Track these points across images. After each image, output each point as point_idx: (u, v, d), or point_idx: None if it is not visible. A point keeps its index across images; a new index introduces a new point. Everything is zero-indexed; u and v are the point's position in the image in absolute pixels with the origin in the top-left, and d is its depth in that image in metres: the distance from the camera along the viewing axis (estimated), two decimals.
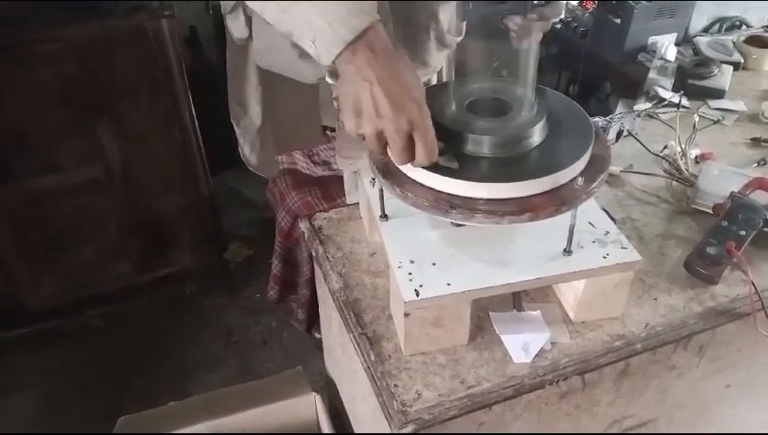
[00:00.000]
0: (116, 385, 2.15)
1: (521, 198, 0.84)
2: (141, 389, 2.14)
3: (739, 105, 1.56)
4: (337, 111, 1.07)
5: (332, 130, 1.60)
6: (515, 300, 1.00)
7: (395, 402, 0.86)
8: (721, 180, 1.20)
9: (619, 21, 2.26)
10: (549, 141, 0.91)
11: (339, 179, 1.52)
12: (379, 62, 0.79)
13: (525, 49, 0.97)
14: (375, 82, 0.78)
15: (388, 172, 0.89)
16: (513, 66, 0.99)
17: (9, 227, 2.06)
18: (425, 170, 0.85)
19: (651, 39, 2.23)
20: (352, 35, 0.77)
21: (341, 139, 1.29)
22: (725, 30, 2.25)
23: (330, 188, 1.75)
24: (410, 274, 0.89)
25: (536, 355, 0.92)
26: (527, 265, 0.91)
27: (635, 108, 1.58)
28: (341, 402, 1.39)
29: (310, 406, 1.47)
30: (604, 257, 0.91)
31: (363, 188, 1.08)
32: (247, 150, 1.46)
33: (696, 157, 1.33)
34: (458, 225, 0.95)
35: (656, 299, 1.02)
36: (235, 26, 1.25)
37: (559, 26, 2.55)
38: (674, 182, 1.27)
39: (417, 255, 0.92)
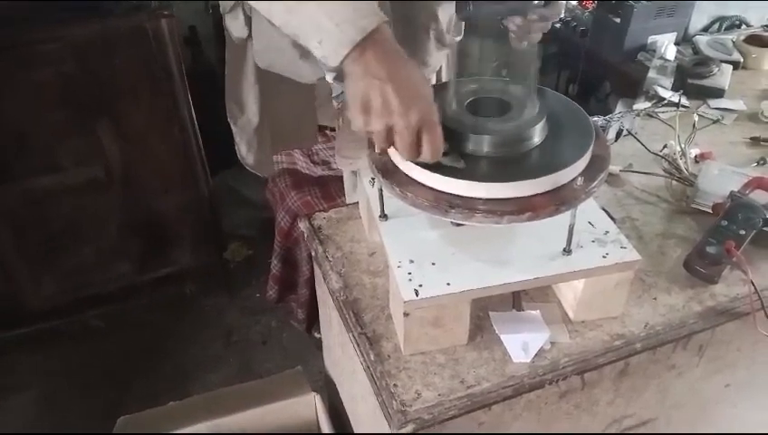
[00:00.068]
0: (116, 385, 2.15)
1: (520, 197, 0.84)
2: (141, 389, 2.14)
3: (739, 104, 1.56)
4: (337, 111, 1.07)
5: (332, 129, 1.61)
6: (515, 300, 1.00)
7: (394, 402, 0.86)
8: (720, 180, 1.20)
9: (618, 20, 2.26)
10: (548, 141, 0.91)
11: (338, 179, 1.52)
12: (387, 60, 0.80)
13: (525, 49, 0.97)
14: (385, 79, 0.78)
15: (387, 172, 0.89)
16: (512, 66, 0.99)
17: (9, 227, 2.06)
18: (425, 170, 0.85)
19: (651, 38, 2.23)
20: (360, 36, 0.78)
21: (341, 138, 1.29)
22: (725, 29, 2.25)
23: (329, 188, 1.75)
24: (410, 273, 0.89)
25: (536, 355, 0.92)
26: (527, 264, 0.91)
27: (634, 107, 1.58)
28: (341, 402, 1.39)
29: (309, 406, 1.47)
30: (604, 257, 0.91)
31: (362, 187, 1.08)
32: (244, 150, 1.46)
33: (695, 156, 1.34)
34: (458, 224, 0.95)
35: (655, 299, 1.02)
36: (234, 26, 1.25)
37: (558, 26, 2.55)
38: (673, 182, 1.27)
39: (416, 254, 0.92)
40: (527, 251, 0.93)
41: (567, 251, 0.92)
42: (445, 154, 0.85)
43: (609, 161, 0.91)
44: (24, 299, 2.21)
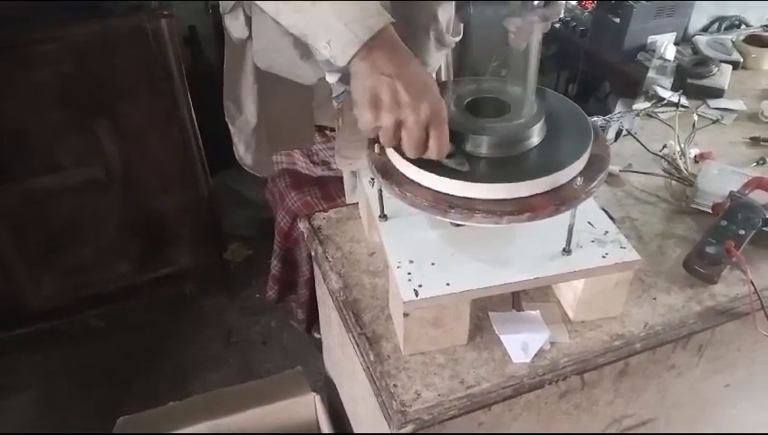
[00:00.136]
0: (116, 385, 2.15)
1: (520, 197, 0.84)
2: (141, 389, 2.14)
3: (738, 104, 1.56)
4: (337, 112, 1.07)
5: (332, 130, 1.60)
6: (515, 300, 1.00)
7: (394, 402, 0.86)
8: (720, 180, 1.20)
9: (618, 20, 2.26)
10: (548, 141, 0.91)
11: (338, 179, 1.52)
12: (394, 58, 0.80)
13: (525, 50, 0.97)
14: (393, 75, 0.79)
15: (387, 172, 0.89)
16: (512, 66, 0.99)
17: (9, 228, 2.06)
18: (424, 170, 0.85)
19: (650, 38, 2.23)
20: (368, 35, 0.78)
21: (341, 139, 1.29)
22: (725, 29, 2.25)
23: (329, 188, 1.75)
24: (409, 274, 0.89)
25: (535, 355, 0.92)
26: (526, 264, 0.91)
27: (634, 107, 1.58)
28: (341, 403, 1.39)
29: (309, 406, 1.47)
30: (603, 257, 0.91)
31: (362, 187, 1.08)
32: (242, 150, 1.46)
33: (695, 156, 1.34)
34: (457, 225, 0.95)
35: (655, 299, 1.02)
36: (234, 26, 1.25)
37: (558, 26, 2.55)
38: (673, 182, 1.27)
39: (416, 255, 0.92)
40: (527, 251, 0.93)
41: (567, 251, 0.92)
42: (449, 156, 0.85)
43: (608, 161, 0.91)
44: (24, 299, 2.21)
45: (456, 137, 0.87)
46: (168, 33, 1.92)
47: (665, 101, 1.57)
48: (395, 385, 0.88)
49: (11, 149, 1.93)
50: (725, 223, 1.07)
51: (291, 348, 2.33)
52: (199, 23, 2.75)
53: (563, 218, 0.87)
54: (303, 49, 1.17)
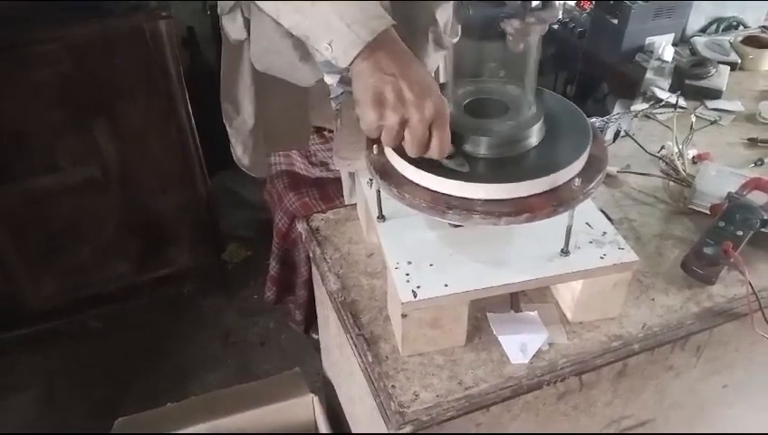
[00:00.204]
0: (115, 385, 2.16)
1: (518, 198, 0.84)
2: (141, 389, 2.15)
3: (736, 105, 1.56)
4: (336, 112, 1.07)
5: (330, 131, 1.61)
6: (513, 301, 1.00)
7: (392, 403, 0.86)
8: (718, 181, 1.20)
9: (616, 21, 2.26)
10: (546, 142, 0.91)
11: (336, 181, 1.52)
12: (397, 58, 0.81)
13: (523, 51, 0.97)
14: (397, 74, 0.79)
15: (385, 173, 0.89)
16: (510, 67, 0.99)
17: (8, 228, 2.06)
18: (423, 171, 0.85)
19: (648, 39, 2.23)
20: (371, 36, 0.78)
21: (339, 139, 1.29)
22: (723, 30, 2.25)
23: (327, 190, 1.75)
24: (408, 275, 0.89)
25: (534, 356, 0.92)
26: (524, 265, 0.91)
27: (632, 108, 1.58)
28: (339, 403, 1.39)
29: (308, 407, 1.47)
30: (601, 258, 0.91)
31: (361, 189, 1.08)
32: (240, 151, 1.46)
33: (693, 157, 1.34)
34: (456, 225, 0.95)
35: (653, 299, 1.02)
36: (232, 28, 1.25)
37: (556, 27, 2.55)
38: (671, 182, 1.27)
39: (414, 256, 0.92)
40: (525, 252, 0.93)
41: (565, 252, 0.92)
42: (449, 157, 0.85)
43: (606, 162, 0.91)
44: (24, 299, 2.22)
45: (456, 137, 0.87)
46: (166, 34, 1.92)
47: (663, 102, 1.57)
48: (393, 386, 0.88)
49: (10, 150, 1.93)
50: (723, 224, 1.07)
51: (289, 349, 2.33)
52: (198, 24, 2.75)
53: (561, 219, 0.87)
54: (303, 50, 1.17)
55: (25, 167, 1.99)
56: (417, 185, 0.87)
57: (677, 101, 1.54)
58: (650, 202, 1.23)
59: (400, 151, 0.86)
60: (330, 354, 1.39)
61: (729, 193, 1.14)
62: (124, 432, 1.46)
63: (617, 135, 1.42)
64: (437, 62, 1.38)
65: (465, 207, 0.83)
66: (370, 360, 0.92)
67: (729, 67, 1.70)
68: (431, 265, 0.91)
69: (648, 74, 1.78)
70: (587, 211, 0.99)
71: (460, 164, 0.86)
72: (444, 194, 0.85)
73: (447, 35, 1.28)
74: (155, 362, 2.26)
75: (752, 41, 1.85)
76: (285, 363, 2.21)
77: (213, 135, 1.89)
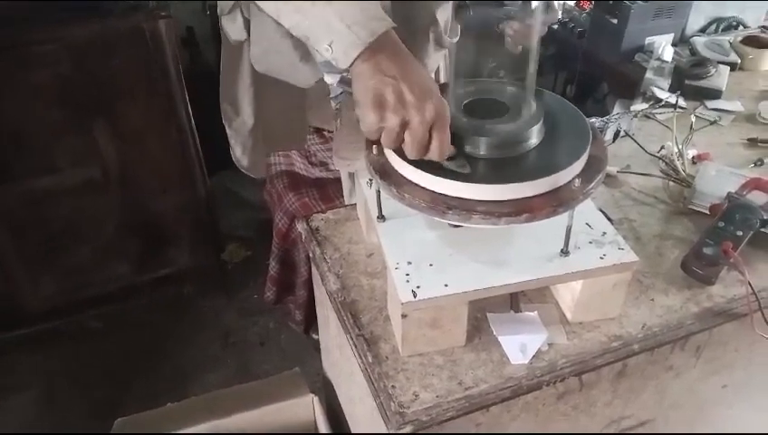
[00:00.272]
0: (115, 385, 2.16)
1: (518, 199, 0.84)
2: (141, 389, 2.14)
3: (736, 105, 1.56)
4: (335, 112, 1.07)
5: (330, 131, 1.60)
6: (513, 301, 1.00)
7: (392, 404, 0.86)
8: (718, 181, 1.20)
9: (615, 21, 2.26)
10: (546, 143, 0.91)
11: (336, 181, 1.52)
12: (397, 60, 0.81)
13: (522, 51, 0.97)
14: (397, 76, 0.79)
15: (385, 173, 0.89)
16: (510, 68, 0.99)
17: (8, 228, 2.06)
18: (422, 171, 0.85)
19: (648, 39, 2.23)
20: (371, 38, 0.78)
21: (339, 140, 1.29)
22: (722, 30, 2.25)
23: (327, 190, 1.75)
24: (407, 275, 0.89)
25: (533, 356, 0.92)
26: (524, 265, 0.91)
27: (632, 108, 1.58)
28: (339, 404, 1.39)
29: (307, 407, 1.47)
30: (601, 258, 0.91)
31: (360, 189, 1.08)
32: (239, 152, 1.46)
33: (692, 157, 1.34)
34: (456, 226, 0.95)
35: (653, 300, 1.02)
36: (232, 29, 1.25)
37: (556, 27, 2.55)
38: (671, 183, 1.27)
39: (414, 256, 0.92)
40: (525, 252, 0.93)
41: (565, 252, 0.92)
42: (450, 158, 0.85)
43: (606, 163, 0.91)
44: (24, 300, 2.22)
45: (455, 138, 0.87)
46: (165, 34, 1.92)
47: (662, 103, 1.57)
48: (393, 386, 0.88)
49: (10, 150, 1.93)
50: (723, 224, 1.07)
51: (289, 349, 2.33)
52: (197, 24, 2.75)
53: (561, 219, 0.87)
54: (303, 50, 1.17)
55: (25, 167, 1.99)
56: (416, 185, 0.87)
57: (677, 102, 1.54)
58: (650, 202, 1.24)
59: (400, 152, 0.86)
60: (330, 354, 1.38)
61: (729, 193, 1.15)
62: (124, 432, 1.46)
63: (616, 135, 1.42)
64: (437, 62, 1.38)
65: (464, 207, 0.83)
66: (370, 360, 0.92)
67: (729, 67, 1.70)
68: (431, 265, 0.91)
69: (648, 74, 1.78)
70: (587, 211, 0.99)
71: (461, 165, 0.86)
72: (444, 194, 0.85)
73: (447, 35, 1.28)
74: (155, 362, 2.26)
75: (751, 41, 1.85)
76: (285, 364, 2.21)
77: (213, 135, 1.90)
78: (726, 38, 1.90)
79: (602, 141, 0.95)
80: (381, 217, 1.00)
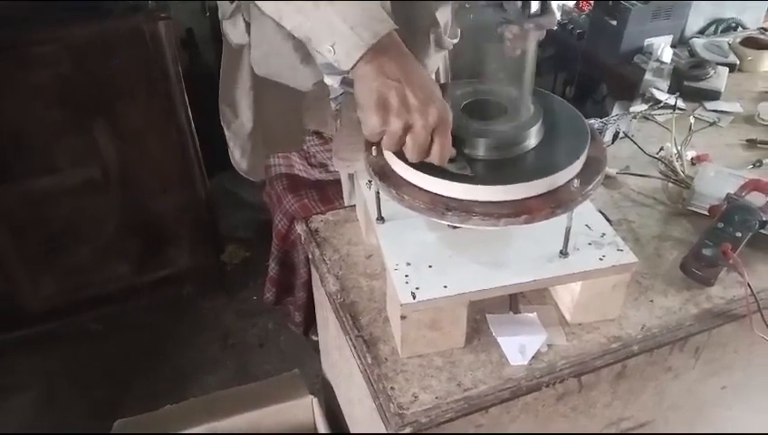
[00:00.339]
0: (115, 386, 2.16)
1: (517, 200, 0.84)
2: (140, 390, 2.14)
3: (735, 107, 1.57)
4: (335, 113, 1.07)
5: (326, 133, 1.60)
6: (512, 302, 1.00)
7: (392, 405, 0.86)
8: (717, 182, 1.20)
9: (615, 23, 2.26)
10: (545, 144, 0.91)
11: (336, 182, 1.52)
12: (400, 62, 0.80)
13: (521, 54, 0.97)
14: (400, 79, 0.79)
15: (384, 175, 0.89)
16: (509, 69, 0.99)
17: (8, 228, 2.06)
18: (421, 172, 0.85)
19: (647, 41, 2.23)
20: (374, 39, 0.78)
21: (338, 141, 1.29)
22: (721, 32, 2.25)
23: (326, 191, 1.74)
24: (407, 276, 0.89)
25: (533, 357, 0.92)
26: (523, 267, 0.91)
27: (631, 110, 1.58)
28: (338, 405, 1.39)
29: (307, 409, 1.47)
30: (600, 259, 0.91)
31: (360, 190, 1.08)
32: (238, 155, 1.46)
33: (691, 158, 1.34)
34: (455, 227, 0.95)
35: (652, 301, 1.02)
36: (234, 33, 1.25)
37: (555, 28, 2.55)
38: (670, 184, 1.27)
39: (413, 257, 0.92)
40: (524, 253, 0.93)
41: (564, 253, 0.92)
42: (451, 161, 0.85)
43: (605, 164, 0.91)
44: (23, 300, 2.22)
45: (455, 140, 0.87)
46: (165, 35, 1.93)
47: (662, 104, 1.57)
48: (392, 388, 0.88)
49: (10, 150, 1.93)
50: (722, 225, 1.07)
51: (288, 350, 2.33)
52: (197, 25, 2.76)
53: (560, 221, 0.87)
54: (304, 52, 1.17)
55: (25, 167, 1.99)
56: (416, 186, 0.87)
57: (676, 103, 1.54)
58: (649, 203, 1.24)
59: (400, 154, 0.86)
60: (329, 356, 1.38)
61: (728, 194, 1.15)
62: (124, 433, 1.46)
63: (615, 136, 1.42)
64: (437, 63, 1.38)
65: (463, 208, 0.83)
66: (370, 361, 0.92)
67: (728, 68, 1.70)
68: (430, 266, 0.91)
69: (647, 76, 1.79)
70: (586, 213, 0.99)
71: (462, 167, 0.86)
72: (443, 195, 0.85)
73: (447, 37, 1.28)
74: (154, 363, 2.25)
75: (750, 42, 1.85)
76: (284, 365, 2.21)
77: (212, 136, 1.90)
78: (725, 39, 1.91)
79: (601, 143, 0.95)
80: (381, 219, 1.00)
